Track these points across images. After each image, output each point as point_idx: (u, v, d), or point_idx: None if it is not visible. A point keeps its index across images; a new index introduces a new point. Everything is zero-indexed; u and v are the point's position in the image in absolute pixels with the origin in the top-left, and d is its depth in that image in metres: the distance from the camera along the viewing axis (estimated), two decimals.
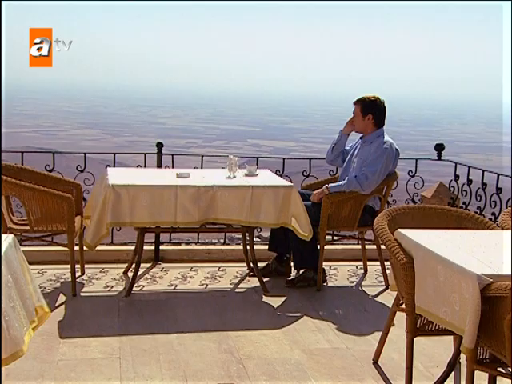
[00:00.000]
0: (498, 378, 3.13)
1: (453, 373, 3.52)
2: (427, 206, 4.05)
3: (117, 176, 4.85)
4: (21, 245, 4.66)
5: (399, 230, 3.37)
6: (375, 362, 3.79)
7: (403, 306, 3.41)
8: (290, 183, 5.07)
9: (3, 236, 3.09)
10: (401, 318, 3.50)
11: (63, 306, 4.55)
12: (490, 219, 5.34)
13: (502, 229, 3.65)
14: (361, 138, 5.26)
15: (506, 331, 2.66)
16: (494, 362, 2.91)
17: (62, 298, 4.70)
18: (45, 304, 3.15)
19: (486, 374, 3.08)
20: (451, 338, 3.45)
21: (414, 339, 3.30)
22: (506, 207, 5.20)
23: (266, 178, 5.26)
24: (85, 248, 5.14)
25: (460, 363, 3.49)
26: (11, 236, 3.04)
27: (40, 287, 4.79)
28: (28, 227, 4.76)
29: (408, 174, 6.12)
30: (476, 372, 2.90)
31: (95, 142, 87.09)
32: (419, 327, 3.26)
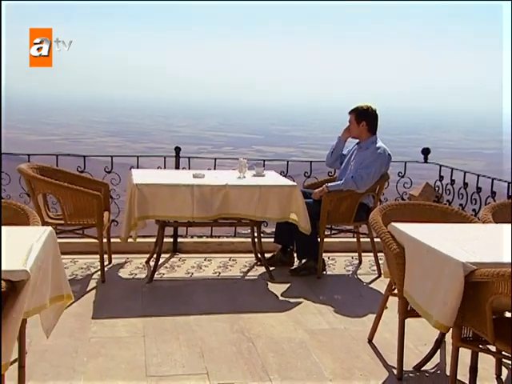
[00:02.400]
0: (480, 354, 3.13)
1: (439, 350, 3.55)
2: (416, 203, 4.07)
3: (140, 176, 4.86)
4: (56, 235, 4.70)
5: (392, 223, 3.37)
6: (370, 341, 3.78)
7: (395, 291, 3.40)
8: (293, 183, 5.06)
9: (43, 228, 3.11)
10: (393, 302, 3.51)
11: (94, 291, 4.55)
12: (471, 215, 5.36)
13: (483, 222, 3.66)
14: (357, 143, 5.26)
15: (488, 312, 2.67)
16: (477, 340, 2.91)
17: (92, 284, 4.71)
18: (69, 290, 3.13)
19: (469, 351, 3.09)
20: None
21: (405, 321, 3.31)
22: (486, 204, 5.19)
23: (272, 178, 5.26)
24: (113, 240, 5.18)
25: (445, 342, 3.51)
26: (49, 228, 3.06)
27: (73, 274, 4.90)
28: (62, 221, 4.79)
29: (398, 175, 6.09)
30: (460, 349, 2.91)
31: (117, 148, 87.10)
32: (409, 310, 3.25)
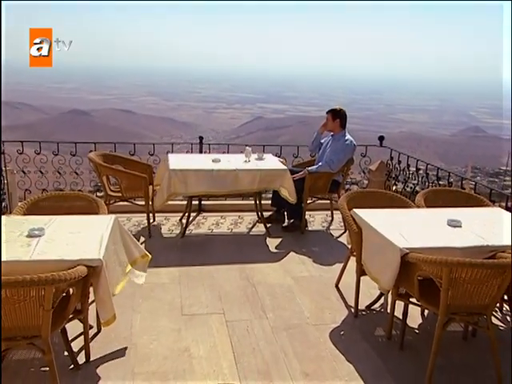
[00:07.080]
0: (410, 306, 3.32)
1: (383, 295, 3.72)
2: (373, 191, 4.15)
3: (175, 162, 4.90)
4: (116, 202, 4.82)
5: (354, 209, 3.45)
6: (337, 286, 3.88)
7: (355, 253, 3.54)
8: (285, 167, 5.07)
9: (109, 216, 3.20)
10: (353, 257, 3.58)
11: (143, 245, 4.61)
12: (411, 188, 5.48)
13: (418, 207, 3.78)
14: (332, 135, 5.31)
15: (415, 282, 2.85)
16: (408, 295, 3.09)
17: (142, 239, 4.80)
18: (144, 251, 3.27)
19: (403, 303, 3.28)
20: None
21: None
22: (422, 181, 5.31)
23: (269, 161, 5.29)
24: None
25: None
26: (114, 216, 3.13)
27: (128, 230, 4.88)
28: (120, 194, 4.93)
29: (360, 155, 6.16)
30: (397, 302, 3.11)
31: (155, 105, 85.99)
32: (364, 270, 3.42)
